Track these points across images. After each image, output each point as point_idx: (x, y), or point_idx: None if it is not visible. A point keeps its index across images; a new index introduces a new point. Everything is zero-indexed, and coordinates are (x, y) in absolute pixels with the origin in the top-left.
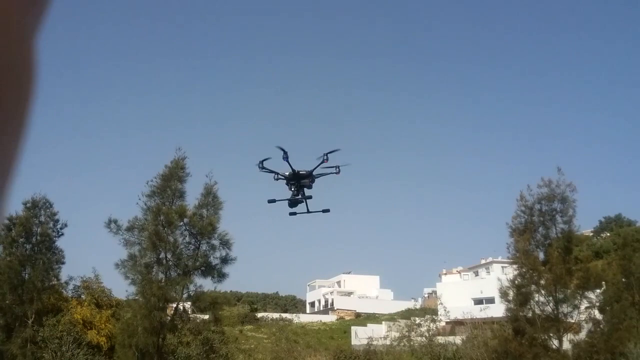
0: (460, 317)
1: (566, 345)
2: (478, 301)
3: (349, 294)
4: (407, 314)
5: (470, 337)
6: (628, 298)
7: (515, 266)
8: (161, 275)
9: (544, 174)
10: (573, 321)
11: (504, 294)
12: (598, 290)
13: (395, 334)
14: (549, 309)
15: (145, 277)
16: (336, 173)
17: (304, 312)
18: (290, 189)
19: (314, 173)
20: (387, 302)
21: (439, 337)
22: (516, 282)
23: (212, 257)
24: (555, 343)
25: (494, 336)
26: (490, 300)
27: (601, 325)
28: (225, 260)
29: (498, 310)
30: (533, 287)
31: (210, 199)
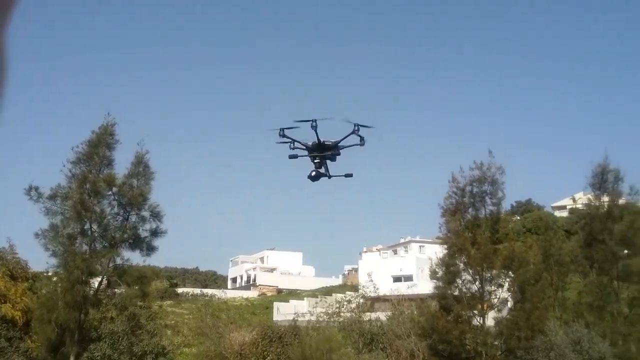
0: (382, 293)
1: (490, 322)
2: (397, 279)
3: (272, 270)
4: (328, 290)
5: (396, 313)
6: (547, 278)
7: (445, 245)
8: (85, 247)
9: (465, 158)
10: (496, 299)
11: (433, 272)
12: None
13: (320, 310)
14: (474, 287)
15: (67, 249)
16: (361, 145)
17: (225, 287)
18: (313, 161)
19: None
20: (309, 279)
21: (367, 314)
22: (445, 260)
23: (141, 230)
24: (479, 320)
25: (421, 313)
26: (409, 278)
27: (522, 304)
28: (155, 232)
29: (417, 287)
30: (461, 265)
31: (141, 168)
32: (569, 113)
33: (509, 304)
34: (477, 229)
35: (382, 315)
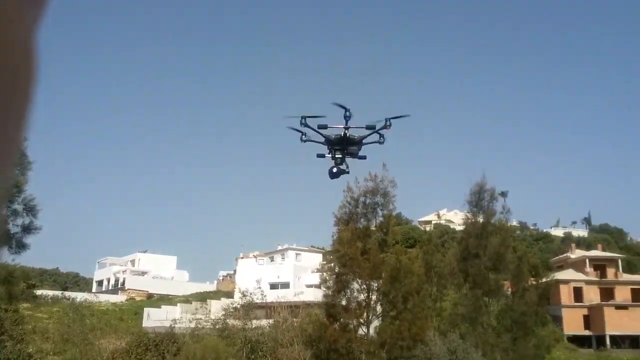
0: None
1: (374, 332)
2: (274, 285)
3: (143, 273)
4: (202, 296)
5: (280, 321)
6: (428, 289)
7: (336, 254)
8: None
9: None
10: (380, 309)
11: (323, 281)
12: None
13: (200, 317)
14: (362, 296)
15: None
16: (380, 143)
17: (89, 290)
18: (334, 156)
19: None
20: (183, 284)
21: (253, 321)
22: (336, 269)
23: (12, 224)
24: (364, 329)
25: (308, 321)
26: (286, 285)
27: (405, 314)
28: (28, 229)
29: (292, 294)
30: (351, 275)
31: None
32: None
33: (392, 314)
34: (368, 239)
35: (265, 323)
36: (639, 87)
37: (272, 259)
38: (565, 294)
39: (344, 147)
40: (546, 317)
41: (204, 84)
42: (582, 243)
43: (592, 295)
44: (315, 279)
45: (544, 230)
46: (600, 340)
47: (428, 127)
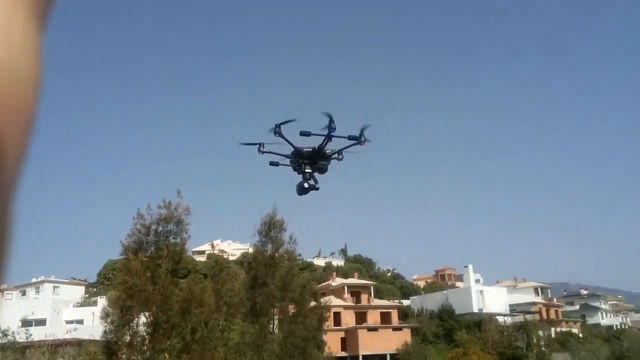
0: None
1: None
2: (27, 322)
3: None
4: None
5: None
6: (217, 319)
7: (124, 285)
8: None
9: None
10: (170, 341)
11: (105, 315)
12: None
13: None
14: (149, 330)
15: None
16: (358, 143)
17: None
18: (303, 170)
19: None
20: None
21: None
22: (120, 302)
23: None
24: None
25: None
26: (41, 322)
27: (194, 346)
28: None
29: (50, 330)
30: (138, 307)
31: None
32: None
33: (179, 345)
34: (158, 269)
35: None
36: None
37: (24, 293)
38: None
39: (314, 161)
40: (322, 341)
41: None
42: (340, 272)
43: (348, 319)
44: (78, 313)
45: (308, 260)
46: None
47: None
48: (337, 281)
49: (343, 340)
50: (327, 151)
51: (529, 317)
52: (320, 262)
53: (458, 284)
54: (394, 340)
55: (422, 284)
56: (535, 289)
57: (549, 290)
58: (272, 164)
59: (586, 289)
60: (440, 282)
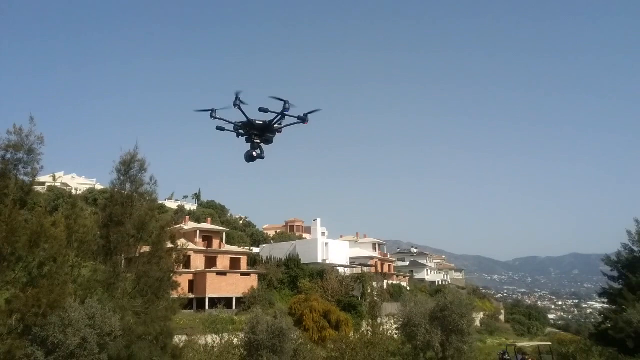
0: None
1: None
2: None
3: None
4: None
5: None
6: (68, 255)
7: None
8: None
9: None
10: (15, 274)
11: None
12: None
13: None
14: None
15: None
16: (303, 122)
17: None
18: (252, 141)
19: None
20: None
21: None
22: None
23: None
24: None
25: None
26: None
27: (41, 281)
28: None
29: None
30: None
31: None
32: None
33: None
34: (5, 199)
35: None
36: None
37: None
38: None
39: (263, 133)
40: (176, 283)
41: None
42: (192, 216)
43: (198, 262)
44: None
45: (160, 202)
46: (200, 302)
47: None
48: (189, 225)
49: (191, 282)
50: (275, 126)
51: (366, 269)
52: (172, 204)
53: (305, 235)
54: (241, 285)
55: (272, 233)
56: (374, 245)
57: (385, 247)
58: (219, 128)
59: (416, 248)
60: (289, 232)
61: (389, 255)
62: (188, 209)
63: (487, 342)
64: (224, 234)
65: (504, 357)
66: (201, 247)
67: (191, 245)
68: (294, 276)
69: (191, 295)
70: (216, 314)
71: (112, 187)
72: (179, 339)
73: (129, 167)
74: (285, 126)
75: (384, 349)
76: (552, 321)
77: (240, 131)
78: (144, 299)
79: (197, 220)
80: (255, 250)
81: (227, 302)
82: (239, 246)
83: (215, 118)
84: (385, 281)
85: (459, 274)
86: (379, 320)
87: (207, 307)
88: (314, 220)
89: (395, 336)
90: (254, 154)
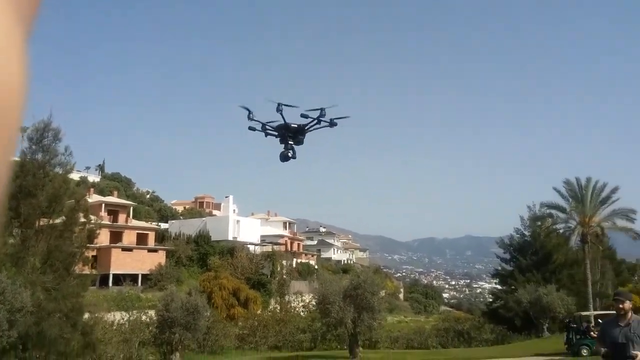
0: None
1: None
2: None
3: None
4: None
5: None
6: None
7: None
8: None
9: None
10: None
11: None
12: None
13: None
14: None
15: None
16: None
17: None
18: (287, 142)
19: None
20: None
21: None
22: None
23: None
24: None
25: None
26: None
27: None
28: None
29: None
30: None
31: None
32: None
33: None
34: None
35: None
36: None
37: None
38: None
39: (296, 135)
40: (88, 258)
41: None
42: (96, 188)
43: (103, 237)
44: None
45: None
46: (104, 278)
47: None
48: (94, 198)
49: (95, 258)
50: (306, 129)
51: (276, 248)
52: (74, 176)
53: (215, 212)
54: (147, 261)
55: (180, 209)
56: (284, 223)
57: (295, 226)
58: (251, 129)
59: (324, 227)
60: (198, 209)
61: (298, 234)
62: (91, 180)
63: (387, 319)
64: (131, 208)
65: (570, 325)
66: (107, 222)
67: (97, 219)
68: (203, 253)
69: (94, 271)
70: (125, 290)
71: (23, 157)
72: (90, 316)
73: (42, 136)
74: (315, 129)
75: (294, 326)
76: (445, 300)
77: (273, 132)
78: (54, 274)
79: (101, 193)
80: (163, 226)
81: (132, 278)
82: (147, 221)
83: (253, 119)
84: (295, 259)
85: (363, 253)
86: (286, 298)
87: (110, 284)
88: (225, 197)
89: (302, 313)
90: (290, 154)
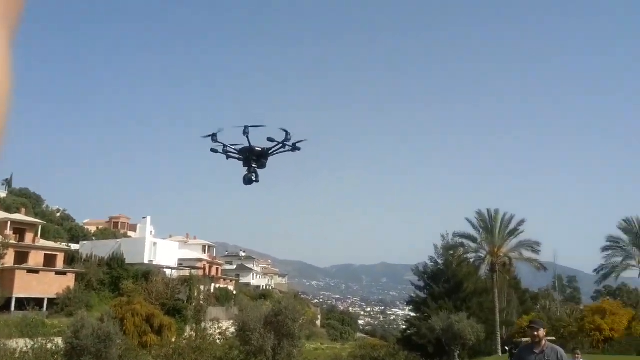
0: None
1: None
2: None
3: None
4: None
5: None
6: None
7: None
8: None
9: None
10: None
11: None
12: None
13: None
14: None
15: None
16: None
17: None
18: (250, 165)
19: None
20: None
21: None
22: None
23: None
24: None
25: None
26: None
27: None
28: None
29: None
30: None
31: None
32: None
33: None
34: None
35: None
36: None
37: None
38: None
39: (259, 159)
40: None
41: None
42: (1, 205)
43: (7, 258)
44: None
45: None
46: (7, 302)
47: None
48: None
49: None
50: (270, 152)
51: (194, 272)
52: None
53: (130, 233)
54: (55, 284)
55: (93, 229)
56: (203, 247)
57: (214, 249)
58: (213, 151)
59: (244, 252)
60: (113, 229)
61: (217, 258)
62: None
63: (305, 346)
64: (40, 227)
65: (512, 351)
66: (13, 241)
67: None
68: (116, 277)
69: None
70: (31, 316)
71: None
72: None
73: None
74: (279, 153)
75: (211, 354)
76: (361, 327)
77: (235, 155)
78: None
79: (8, 209)
80: (74, 247)
81: (37, 302)
82: (56, 241)
83: (216, 142)
84: (213, 284)
85: (282, 279)
86: (203, 324)
87: (12, 309)
88: (143, 218)
89: (219, 341)
90: (253, 177)
